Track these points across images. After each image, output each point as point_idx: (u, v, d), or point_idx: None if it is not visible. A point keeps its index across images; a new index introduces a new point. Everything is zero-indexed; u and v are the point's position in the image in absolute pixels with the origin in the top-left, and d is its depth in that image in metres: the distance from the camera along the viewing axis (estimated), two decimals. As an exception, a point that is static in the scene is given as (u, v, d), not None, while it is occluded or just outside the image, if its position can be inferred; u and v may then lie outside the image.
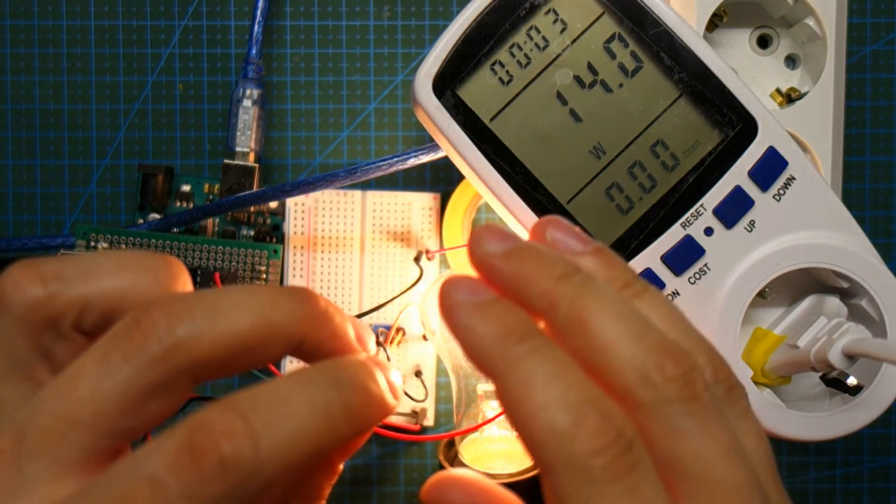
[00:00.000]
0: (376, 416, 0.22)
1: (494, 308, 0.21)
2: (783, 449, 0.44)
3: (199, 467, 0.18)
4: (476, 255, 0.22)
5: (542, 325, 0.22)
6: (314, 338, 0.22)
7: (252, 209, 0.43)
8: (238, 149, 0.42)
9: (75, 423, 0.19)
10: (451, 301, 0.21)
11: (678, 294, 0.32)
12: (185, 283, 0.22)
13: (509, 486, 0.27)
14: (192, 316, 0.20)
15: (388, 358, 0.26)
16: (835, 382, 0.31)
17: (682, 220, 0.32)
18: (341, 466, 0.24)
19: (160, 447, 0.18)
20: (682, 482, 0.20)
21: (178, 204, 0.43)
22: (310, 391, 0.20)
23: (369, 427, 0.22)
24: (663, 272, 0.32)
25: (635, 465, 0.19)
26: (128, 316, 0.20)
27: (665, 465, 0.20)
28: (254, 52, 0.42)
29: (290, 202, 0.43)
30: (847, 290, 0.33)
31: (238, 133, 0.42)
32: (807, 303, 0.33)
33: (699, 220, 0.32)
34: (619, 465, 0.19)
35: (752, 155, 0.31)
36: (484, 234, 0.22)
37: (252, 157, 0.42)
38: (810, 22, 0.39)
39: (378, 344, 0.25)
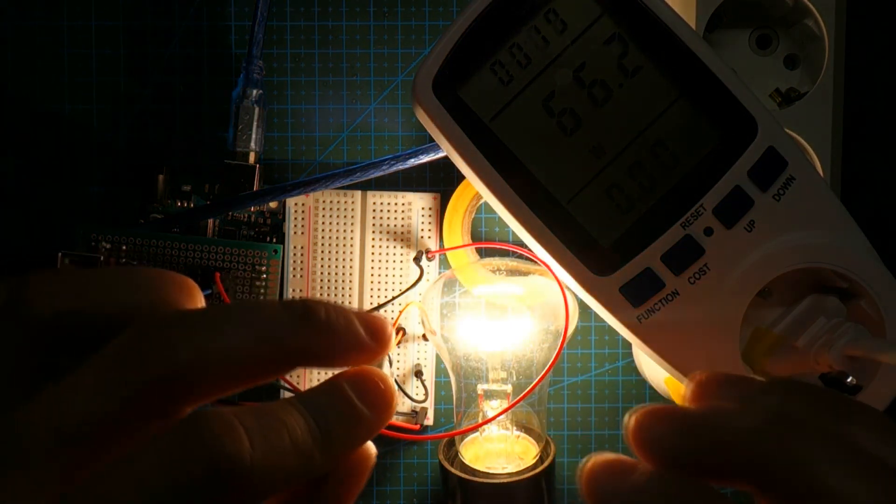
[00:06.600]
0: (381, 419, 0.22)
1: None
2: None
3: (188, 463, 0.18)
4: (651, 448, 0.21)
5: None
6: (319, 351, 0.22)
7: (252, 209, 0.43)
8: (238, 149, 0.42)
9: (64, 437, 0.18)
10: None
11: (678, 294, 0.32)
12: (198, 304, 0.22)
13: (509, 485, 0.27)
14: (192, 339, 0.19)
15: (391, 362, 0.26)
16: (835, 382, 0.31)
17: (682, 219, 0.31)
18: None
19: (156, 442, 0.18)
20: None
21: (178, 204, 0.43)
22: (306, 412, 0.20)
23: (365, 440, 0.22)
24: (663, 272, 0.32)
25: None
26: (128, 333, 0.20)
27: None
28: (254, 52, 0.42)
29: (290, 202, 0.43)
30: (847, 290, 0.33)
31: (239, 133, 0.42)
32: (807, 303, 0.33)
33: (699, 219, 0.31)
34: None
35: (751, 155, 0.31)
36: (646, 421, 0.22)
37: (252, 157, 0.42)
38: (810, 22, 0.39)
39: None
